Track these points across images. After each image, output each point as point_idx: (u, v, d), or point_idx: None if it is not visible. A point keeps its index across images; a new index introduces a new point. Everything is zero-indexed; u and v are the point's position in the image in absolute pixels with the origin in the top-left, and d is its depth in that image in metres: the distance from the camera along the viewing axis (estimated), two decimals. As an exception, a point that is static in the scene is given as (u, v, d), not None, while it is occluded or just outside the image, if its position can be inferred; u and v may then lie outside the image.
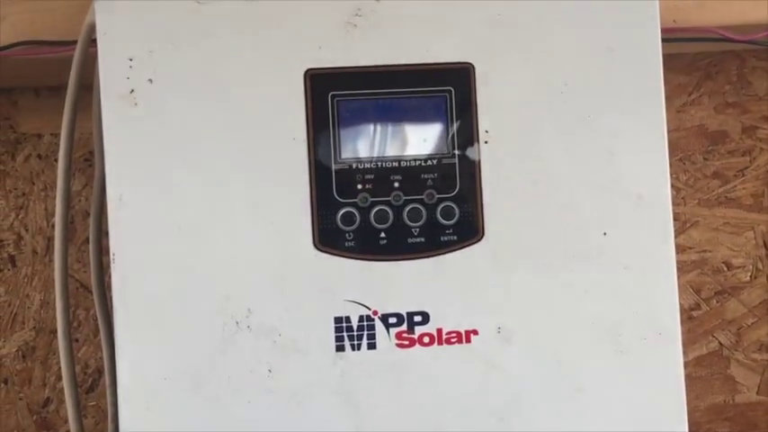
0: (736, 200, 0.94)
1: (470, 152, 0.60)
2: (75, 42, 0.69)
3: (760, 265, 0.94)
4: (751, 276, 0.94)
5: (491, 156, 0.60)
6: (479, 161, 0.60)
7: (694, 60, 0.93)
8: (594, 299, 0.60)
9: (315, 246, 0.59)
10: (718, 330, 0.94)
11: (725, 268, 0.94)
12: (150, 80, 0.58)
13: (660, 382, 0.60)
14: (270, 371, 0.58)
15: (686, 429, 0.60)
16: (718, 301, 0.94)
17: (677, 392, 0.60)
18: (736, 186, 0.94)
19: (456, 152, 0.60)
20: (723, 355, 0.94)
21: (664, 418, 0.60)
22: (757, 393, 0.94)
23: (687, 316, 0.93)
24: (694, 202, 0.94)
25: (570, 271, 0.60)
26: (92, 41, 0.67)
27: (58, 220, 0.69)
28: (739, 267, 0.94)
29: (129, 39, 0.58)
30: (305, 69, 0.59)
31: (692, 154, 0.94)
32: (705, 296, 0.94)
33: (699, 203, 0.94)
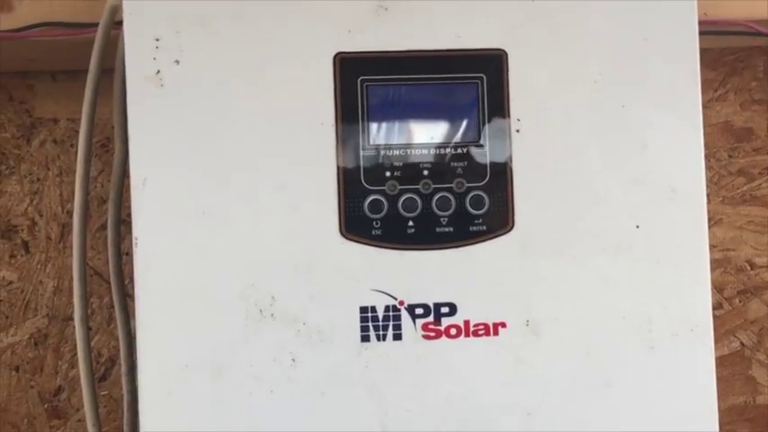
0: (760, 198, 0.93)
1: (501, 141, 0.59)
2: (93, 25, 0.68)
3: (784, 265, 0.93)
4: (774, 276, 0.93)
5: (523, 145, 0.59)
6: (511, 150, 0.59)
7: (721, 56, 0.92)
8: (625, 293, 0.59)
9: (341, 233, 0.58)
10: (740, 330, 0.93)
11: (748, 267, 0.93)
12: (177, 61, 0.57)
13: (691, 379, 0.59)
14: (293, 360, 0.57)
15: (717, 426, 0.59)
16: (740, 301, 0.93)
17: (708, 389, 0.59)
18: (761, 185, 0.93)
19: (487, 141, 0.59)
20: (745, 356, 0.93)
21: (694, 416, 0.59)
22: (779, 395, 0.93)
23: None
24: (718, 200, 0.93)
25: (601, 264, 0.59)
26: (114, 24, 0.67)
27: (76, 205, 0.68)
28: (763, 267, 0.93)
29: (156, 19, 0.57)
30: (334, 53, 0.58)
31: (717, 151, 0.93)
32: (728, 295, 0.93)
33: (723, 201, 0.93)
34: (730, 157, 0.93)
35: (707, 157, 0.92)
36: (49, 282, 0.87)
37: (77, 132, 0.68)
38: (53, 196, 0.87)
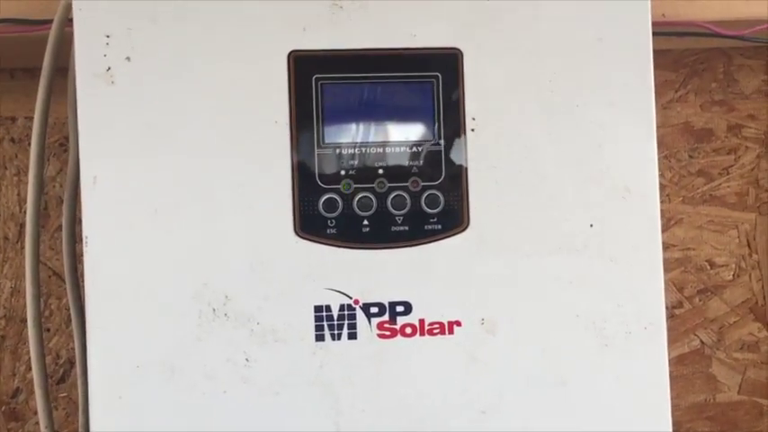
0: (720, 198, 0.94)
1: (456, 140, 0.59)
2: (50, 22, 0.67)
3: (743, 264, 0.94)
4: (734, 275, 0.94)
5: (478, 144, 0.59)
6: (466, 149, 0.59)
7: (681, 57, 0.93)
8: (580, 291, 0.59)
9: (296, 232, 0.57)
10: (700, 329, 0.94)
11: (708, 267, 0.94)
12: (128, 58, 0.56)
13: (645, 377, 0.60)
14: (247, 360, 0.57)
15: (670, 424, 0.59)
16: (700, 300, 0.94)
17: (661, 387, 0.60)
18: (720, 185, 0.94)
19: (442, 140, 0.59)
20: (705, 354, 0.94)
21: (648, 413, 0.59)
22: (738, 393, 0.94)
23: (669, 314, 0.92)
24: (679, 200, 0.94)
25: (556, 262, 0.59)
26: (68, 21, 0.66)
27: (30, 205, 0.67)
28: (722, 266, 0.94)
29: (107, 15, 0.56)
30: (288, 51, 0.58)
31: (678, 151, 0.94)
32: (688, 294, 0.94)
33: (683, 201, 0.94)
34: (690, 157, 0.94)
35: (667, 157, 0.93)
36: (6, 282, 0.86)
37: (35, 131, 0.67)
38: (10, 196, 0.86)
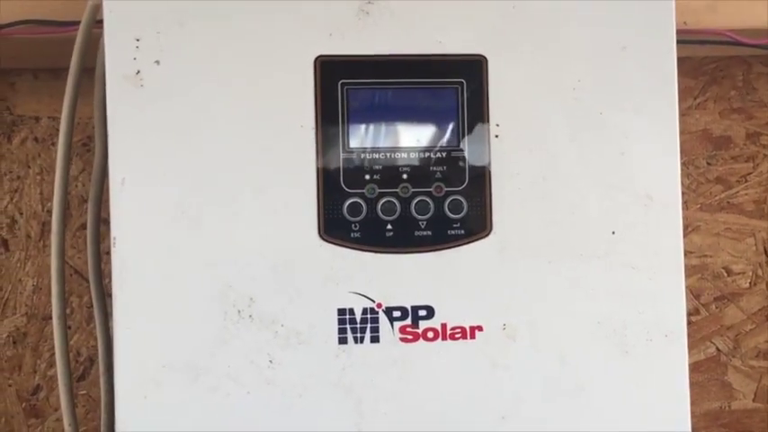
0: (738, 206, 0.94)
1: (480, 146, 0.59)
2: (76, 23, 0.68)
3: (760, 272, 0.94)
4: (751, 283, 0.94)
5: (501, 150, 0.60)
6: (489, 155, 0.59)
7: (701, 64, 0.93)
8: (601, 298, 0.60)
9: (320, 236, 0.58)
10: (716, 336, 0.94)
11: (725, 274, 0.94)
12: (157, 62, 0.57)
13: (665, 384, 0.60)
14: (271, 362, 0.57)
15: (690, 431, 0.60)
16: (717, 307, 0.94)
17: (681, 395, 0.60)
18: (738, 192, 0.94)
19: (466, 145, 0.60)
20: (720, 361, 0.94)
21: (667, 420, 0.60)
22: (754, 400, 0.94)
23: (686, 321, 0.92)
24: (696, 207, 0.94)
25: (577, 269, 0.60)
26: (95, 22, 0.66)
27: (55, 204, 0.68)
28: (739, 273, 0.94)
29: (137, 19, 0.57)
30: (315, 56, 0.58)
31: (696, 158, 0.94)
32: (704, 301, 0.94)
33: (701, 208, 0.94)
34: (708, 164, 0.94)
35: (686, 164, 0.93)
36: (28, 280, 0.87)
37: (59, 131, 0.67)
38: (33, 195, 0.87)
